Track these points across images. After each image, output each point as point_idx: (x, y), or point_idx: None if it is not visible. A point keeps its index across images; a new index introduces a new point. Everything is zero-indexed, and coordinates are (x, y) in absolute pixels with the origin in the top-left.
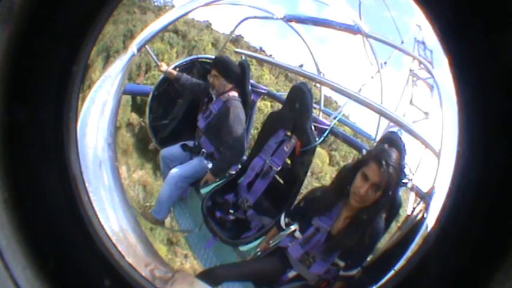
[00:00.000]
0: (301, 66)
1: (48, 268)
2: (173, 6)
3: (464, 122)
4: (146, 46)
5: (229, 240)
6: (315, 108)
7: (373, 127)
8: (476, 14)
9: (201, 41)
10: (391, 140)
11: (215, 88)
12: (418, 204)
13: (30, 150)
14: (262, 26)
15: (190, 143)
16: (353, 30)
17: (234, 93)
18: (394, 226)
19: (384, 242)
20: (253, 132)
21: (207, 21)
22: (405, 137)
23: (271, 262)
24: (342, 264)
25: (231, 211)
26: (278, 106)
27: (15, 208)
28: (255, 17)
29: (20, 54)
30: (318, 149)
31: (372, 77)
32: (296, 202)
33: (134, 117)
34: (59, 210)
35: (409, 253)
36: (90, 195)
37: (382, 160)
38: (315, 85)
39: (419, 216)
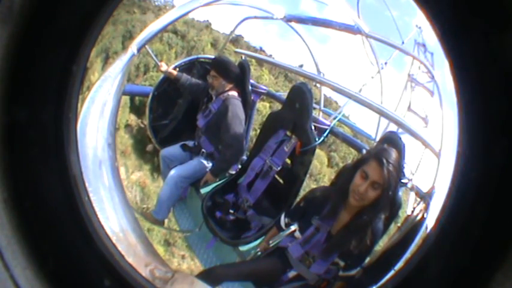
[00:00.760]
0: (301, 66)
1: (48, 268)
2: (173, 6)
3: (464, 122)
4: (146, 46)
5: (229, 240)
6: (315, 108)
7: (373, 127)
8: (476, 14)
9: (200, 41)
10: (391, 140)
11: (214, 88)
12: (418, 204)
13: (30, 151)
14: (262, 26)
15: (190, 143)
16: (353, 30)
17: (233, 93)
18: (394, 226)
19: (383, 242)
20: (253, 132)
21: (207, 21)
22: (405, 137)
23: (271, 262)
24: (341, 263)
25: (231, 211)
26: (277, 107)
27: (15, 208)
28: (255, 17)
29: (20, 54)
30: (317, 151)
31: (372, 77)
32: (296, 202)
33: (132, 119)
34: (59, 210)
35: (409, 253)
36: (90, 195)
37: (382, 158)
38: (315, 85)
39: (419, 216)
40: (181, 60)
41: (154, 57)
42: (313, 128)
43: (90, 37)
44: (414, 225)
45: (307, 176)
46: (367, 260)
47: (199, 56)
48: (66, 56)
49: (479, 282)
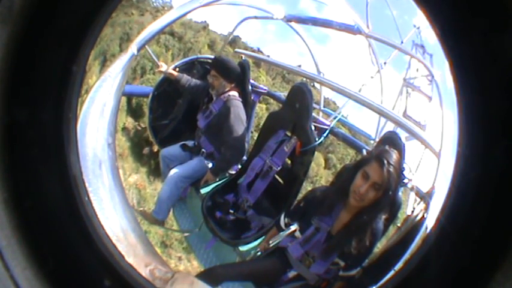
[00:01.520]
0: (299, 66)
1: (48, 268)
2: (171, 7)
3: (464, 122)
4: (146, 46)
5: (229, 240)
6: (314, 108)
7: (373, 127)
8: (476, 14)
9: (197, 42)
10: (392, 140)
11: (215, 88)
12: (418, 204)
13: (30, 151)
14: (260, 26)
15: (190, 143)
16: (353, 30)
17: (234, 93)
18: (394, 226)
19: (384, 242)
20: (253, 132)
21: (205, 21)
22: (405, 137)
23: (271, 262)
24: (341, 264)
25: (231, 211)
26: (275, 109)
27: (15, 208)
28: (255, 17)
29: (20, 55)
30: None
31: (372, 77)
32: (296, 202)
33: (130, 121)
34: (59, 210)
35: (409, 253)
36: (90, 195)
37: (384, 160)
38: (313, 85)
39: (419, 216)
40: (181, 61)
41: (154, 57)
42: (313, 128)
43: (90, 37)
44: (414, 225)
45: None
46: (367, 260)
47: (199, 56)
48: (66, 57)
49: (479, 282)
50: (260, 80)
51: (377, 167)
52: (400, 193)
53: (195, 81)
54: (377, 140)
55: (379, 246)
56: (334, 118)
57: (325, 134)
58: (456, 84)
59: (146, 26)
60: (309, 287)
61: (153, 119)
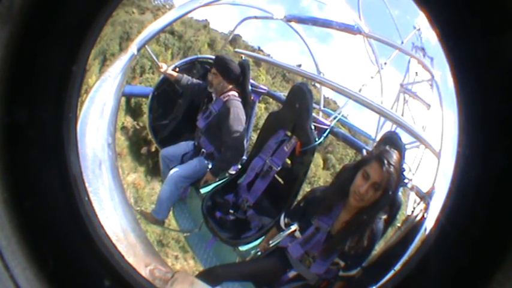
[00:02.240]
0: (298, 66)
1: (48, 268)
2: (172, 5)
3: (464, 122)
4: (146, 46)
5: (229, 240)
6: (314, 108)
7: (373, 127)
8: (476, 14)
9: (197, 41)
10: (392, 140)
11: (213, 86)
12: (418, 204)
13: (31, 151)
14: (260, 25)
15: (190, 143)
16: (353, 30)
17: (234, 93)
18: (394, 226)
19: (384, 242)
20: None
21: (205, 20)
22: (405, 137)
23: (271, 262)
24: (342, 264)
25: (231, 211)
26: (274, 108)
27: (15, 208)
28: (255, 17)
29: (20, 54)
30: None
31: (372, 77)
32: (296, 202)
33: (128, 121)
34: (59, 210)
35: (409, 253)
36: (90, 195)
37: (384, 160)
38: (313, 85)
39: (419, 216)
40: (181, 61)
41: (154, 57)
42: (313, 128)
43: (90, 37)
44: (414, 225)
45: None
46: (367, 260)
47: (199, 56)
48: (66, 56)
49: (479, 282)
50: (260, 79)
51: (377, 166)
52: (400, 193)
53: (195, 81)
54: (377, 140)
55: (379, 246)
56: (334, 118)
57: (325, 134)
58: (456, 84)
59: (146, 25)
60: (309, 287)
61: (153, 119)
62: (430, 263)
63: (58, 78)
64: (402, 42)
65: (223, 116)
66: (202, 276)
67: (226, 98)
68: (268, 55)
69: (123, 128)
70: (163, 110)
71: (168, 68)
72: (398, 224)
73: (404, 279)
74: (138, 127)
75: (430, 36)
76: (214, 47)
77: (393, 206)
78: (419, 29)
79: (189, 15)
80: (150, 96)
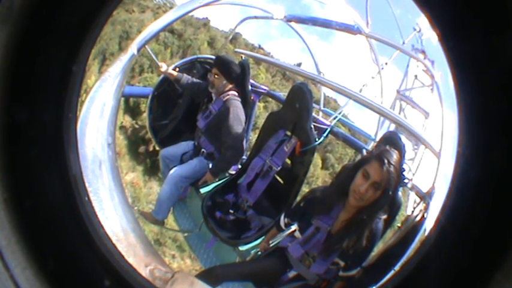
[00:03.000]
0: (299, 64)
1: (48, 268)
2: (173, 4)
3: (464, 123)
4: (146, 46)
5: (229, 240)
6: (314, 108)
7: (373, 127)
8: (476, 15)
9: (197, 40)
10: (392, 140)
11: (214, 86)
12: (418, 204)
13: (31, 151)
14: (261, 24)
15: (190, 143)
16: (353, 30)
17: (233, 93)
18: (394, 226)
19: (383, 242)
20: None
21: (206, 18)
22: (405, 137)
23: (271, 262)
24: (342, 263)
25: (231, 211)
26: (273, 108)
27: (15, 208)
28: (255, 17)
29: (20, 54)
30: None
31: (373, 78)
32: (296, 202)
33: (127, 120)
34: (59, 210)
35: (409, 253)
36: (90, 195)
37: (384, 159)
38: (314, 84)
39: (419, 216)
40: (181, 61)
41: (154, 57)
42: (313, 128)
43: (90, 37)
44: (414, 225)
45: None
46: (367, 260)
47: (199, 55)
48: (66, 56)
49: (479, 282)
50: (260, 78)
51: (377, 166)
52: (400, 193)
53: (195, 80)
54: (377, 140)
55: (379, 246)
56: (334, 118)
57: (325, 134)
58: (456, 84)
59: (146, 24)
60: (309, 287)
61: (153, 119)
62: (430, 263)
63: (58, 78)
64: (404, 43)
65: (223, 115)
66: (202, 276)
67: (226, 98)
68: (269, 53)
69: (122, 128)
70: (163, 110)
71: (168, 67)
72: (398, 224)
73: (404, 279)
74: (136, 126)
75: (430, 38)
76: (214, 45)
77: (393, 206)
78: (419, 31)
79: (189, 14)
80: (150, 96)
